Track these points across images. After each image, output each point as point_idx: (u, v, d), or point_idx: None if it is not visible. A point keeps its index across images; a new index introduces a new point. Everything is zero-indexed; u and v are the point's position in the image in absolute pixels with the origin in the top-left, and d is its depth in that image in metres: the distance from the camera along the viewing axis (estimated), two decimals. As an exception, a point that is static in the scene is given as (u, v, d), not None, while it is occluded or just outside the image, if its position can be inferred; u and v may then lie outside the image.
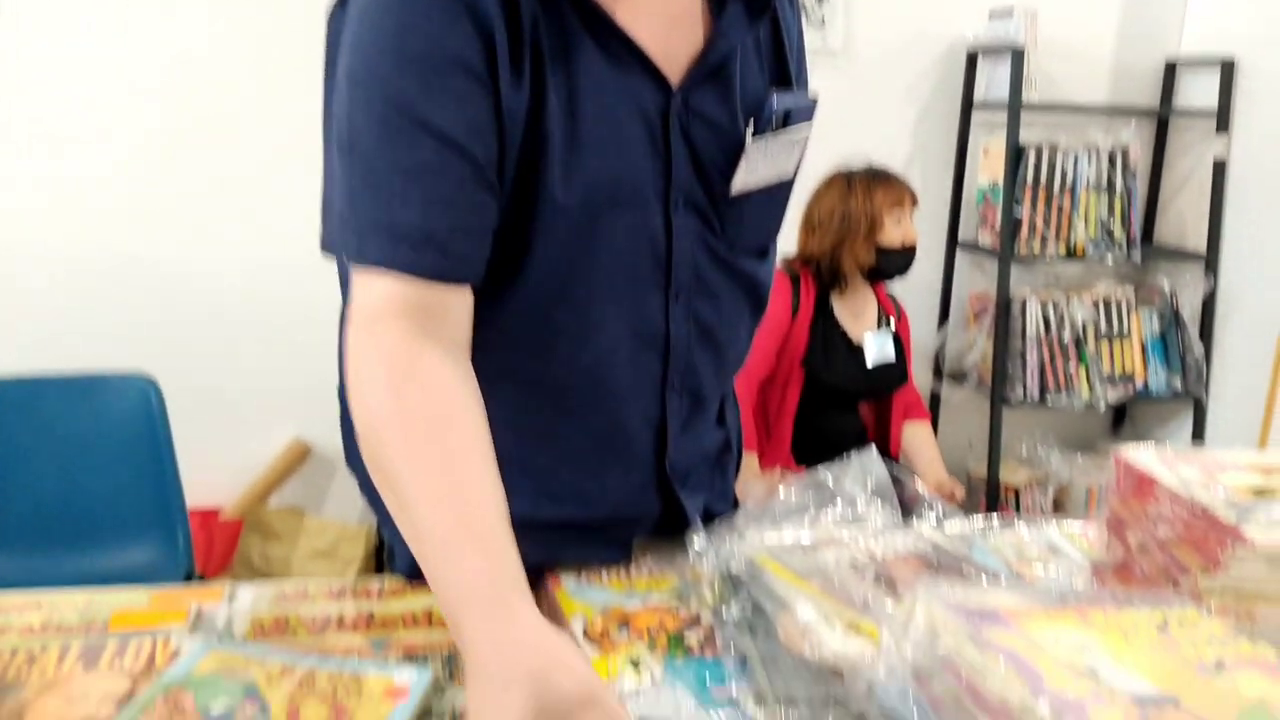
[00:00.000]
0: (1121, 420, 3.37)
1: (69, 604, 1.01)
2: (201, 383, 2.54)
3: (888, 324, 2.48)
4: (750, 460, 2.34)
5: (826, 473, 1.19)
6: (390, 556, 1.25)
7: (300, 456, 2.65)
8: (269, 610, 1.03)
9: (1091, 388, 2.94)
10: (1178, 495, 0.91)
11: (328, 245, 0.97)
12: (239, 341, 2.63)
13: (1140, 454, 0.99)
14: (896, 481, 1.23)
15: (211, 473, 2.54)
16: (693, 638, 1.02)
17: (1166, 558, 0.91)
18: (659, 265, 1.02)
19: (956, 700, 0.72)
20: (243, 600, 1.05)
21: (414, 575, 1.12)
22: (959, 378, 3.10)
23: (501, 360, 0.98)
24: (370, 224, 0.86)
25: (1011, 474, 3.05)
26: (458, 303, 0.90)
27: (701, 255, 1.05)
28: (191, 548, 2.05)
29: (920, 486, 1.31)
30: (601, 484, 1.11)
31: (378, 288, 0.86)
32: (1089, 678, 0.66)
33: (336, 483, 2.71)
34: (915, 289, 2.90)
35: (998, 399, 2.89)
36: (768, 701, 0.88)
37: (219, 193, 2.58)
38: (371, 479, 0.86)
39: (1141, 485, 0.96)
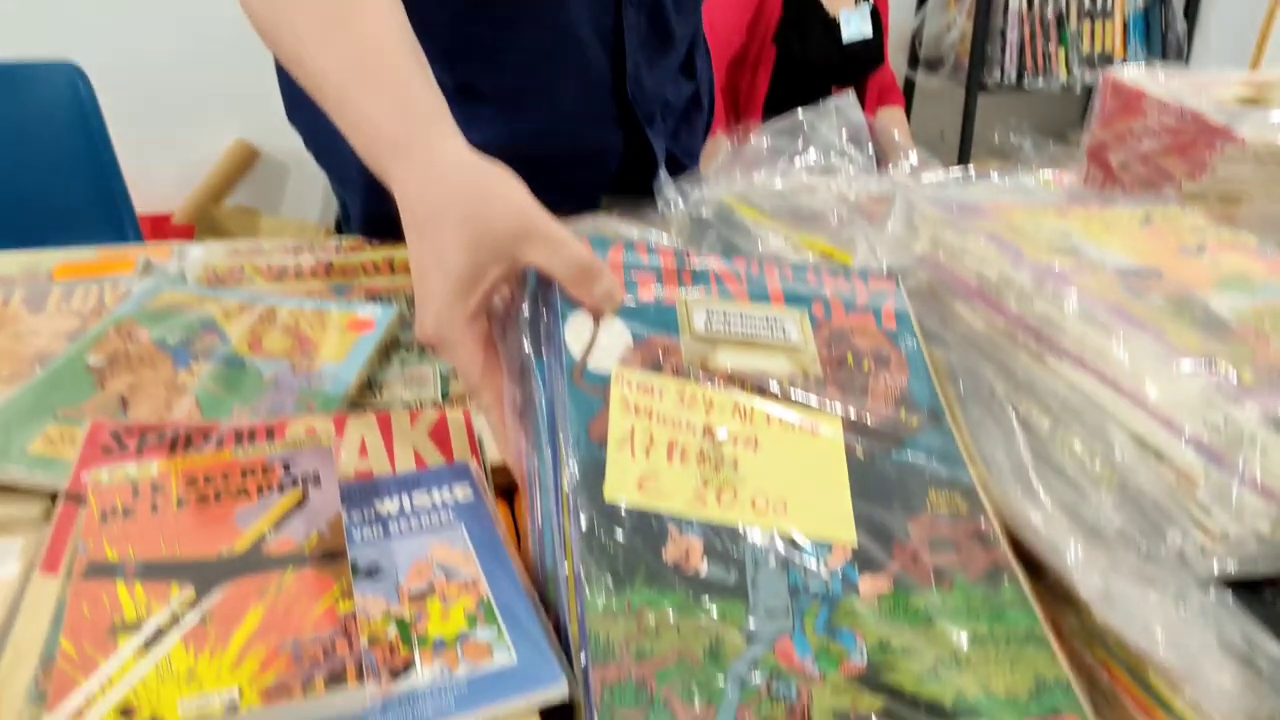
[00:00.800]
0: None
1: (9, 260, 0.97)
2: (136, 79, 2.37)
3: (866, -1, 2.34)
4: (722, 143, 2.26)
5: (802, 116, 1.13)
6: (346, 217, 1.20)
7: (247, 159, 2.54)
8: (223, 261, 0.99)
9: (1070, 69, 2.85)
10: (1167, 104, 0.86)
11: None
12: (173, 37, 2.44)
13: (1130, 71, 0.94)
14: (873, 130, 1.18)
15: (156, 178, 2.43)
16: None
17: (1150, 170, 0.89)
18: None
19: (932, 291, 0.71)
20: (194, 254, 1.01)
21: (371, 232, 1.08)
22: (935, 65, 2.98)
23: None
24: None
25: (982, 166, 3.00)
26: None
27: None
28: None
29: (898, 136, 1.26)
30: (555, 104, 1.04)
31: None
32: (1071, 255, 0.64)
33: (290, 185, 2.62)
34: (893, -33, 2.71)
35: (974, 84, 2.79)
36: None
37: None
38: (272, 51, 0.76)
39: (1129, 102, 0.91)
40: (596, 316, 0.62)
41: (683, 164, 1.21)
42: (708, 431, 0.59)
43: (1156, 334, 0.54)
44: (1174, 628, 0.49)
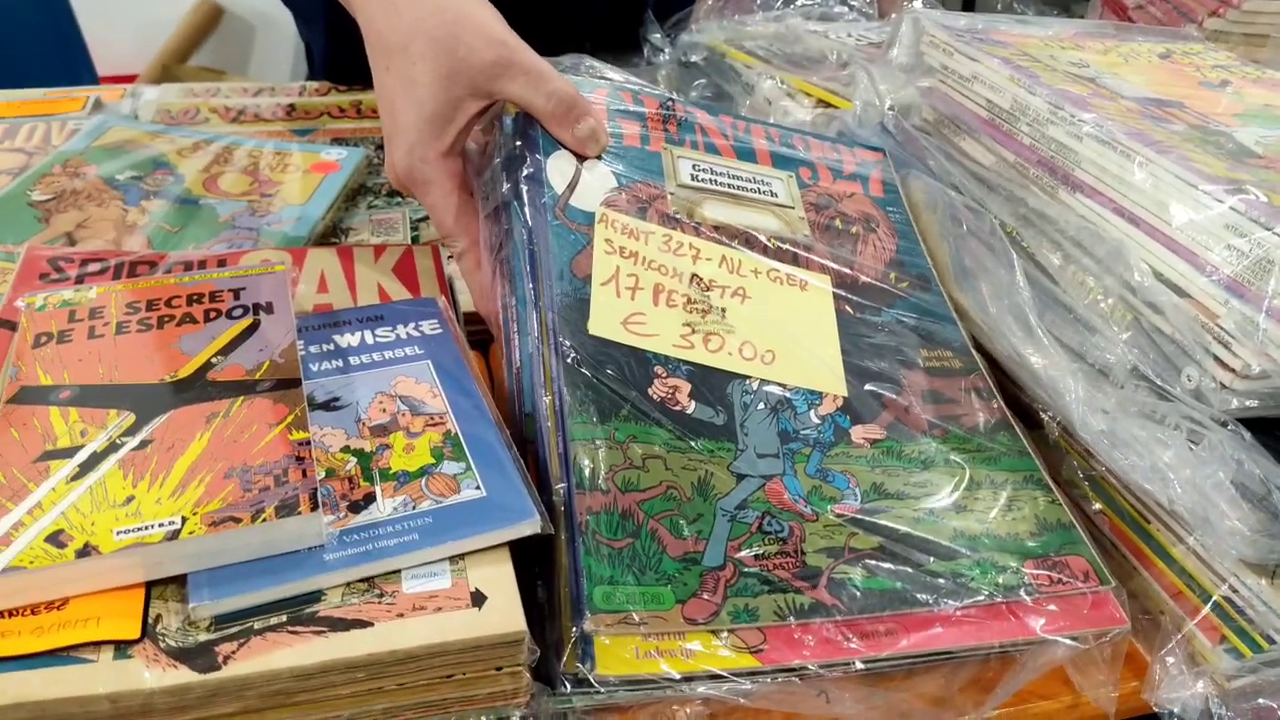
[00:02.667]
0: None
1: (-52, 98, 0.90)
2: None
3: None
4: None
5: (798, -43, 1.05)
6: (311, 65, 1.13)
7: (212, 17, 2.41)
8: (177, 101, 0.93)
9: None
10: (1194, -64, 0.80)
11: None
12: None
13: (1156, -97, 0.87)
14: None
15: (119, 39, 2.31)
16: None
17: (1167, 11, 0.83)
18: None
19: (937, 128, 0.66)
20: (148, 95, 0.94)
21: (336, 77, 1.01)
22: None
23: None
24: None
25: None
26: None
27: None
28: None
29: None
30: None
31: None
32: (1089, 84, 0.59)
33: (258, 44, 2.50)
34: None
35: (976, -49, 2.66)
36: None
37: None
38: None
39: (1154, -64, 0.85)
40: (580, 157, 0.57)
41: (672, 6, 1.14)
42: (695, 279, 0.55)
43: (1180, 158, 0.50)
44: (1184, 468, 0.46)
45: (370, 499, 0.43)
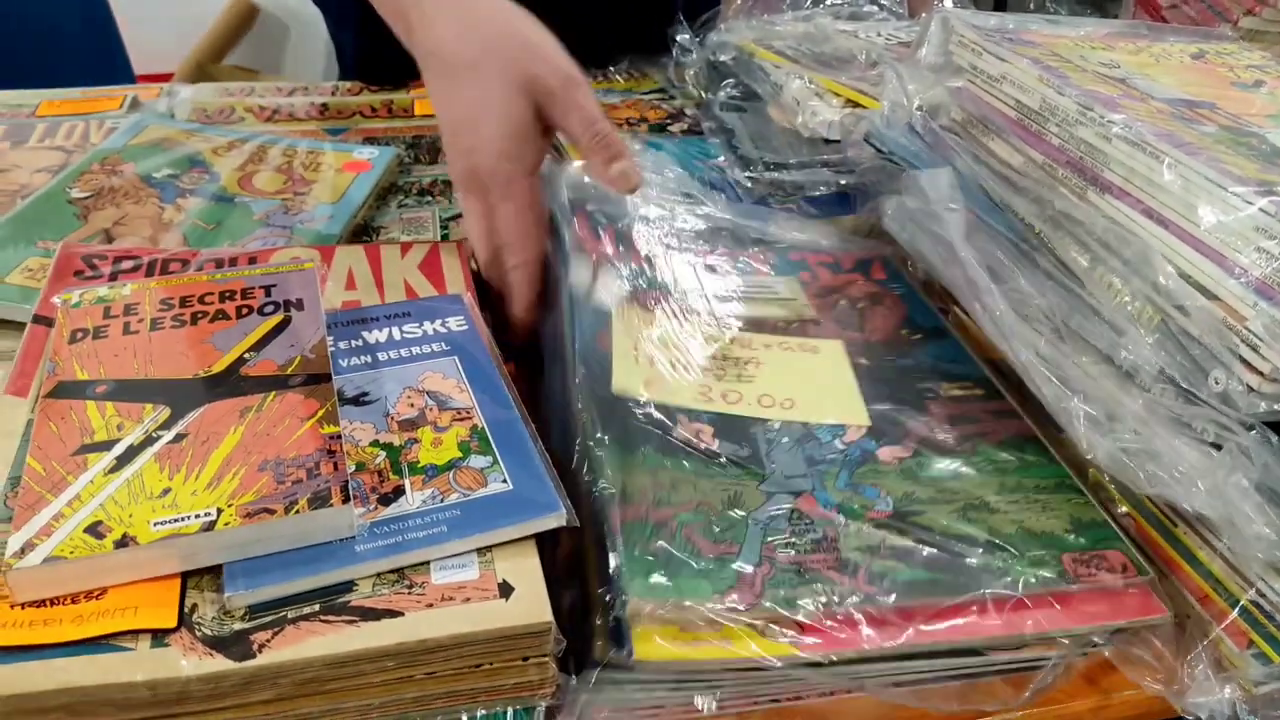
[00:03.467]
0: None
1: (-9, 97, 0.92)
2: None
3: None
4: None
5: (828, -43, 1.05)
6: (342, 64, 1.14)
7: (247, 16, 2.44)
8: (213, 100, 0.94)
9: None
10: (1230, -65, 0.79)
11: None
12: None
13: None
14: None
15: (155, 36, 2.34)
16: (676, 127, 0.95)
17: (1201, 11, 0.82)
18: None
19: (965, 128, 0.66)
20: (184, 93, 0.96)
21: (366, 77, 1.02)
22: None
23: None
24: None
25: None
26: None
27: None
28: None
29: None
30: None
31: None
32: (1119, 85, 0.59)
33: (291, 43, 2.53)
34: None
35: (1008, -51, 2.64)
36: (756, 168, 0.82)
37: None
38: None
39: (1187, -65, 0.84)
40: (613, 187, 0.61)
41: (700, 5, 1.14)
42: (708, 355, 0.58)
43: (1210, 159, 0.50)
44: (1209, 473, 0.46)
45: (400, 492, 0.44)
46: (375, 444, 0.47)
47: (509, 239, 0.61)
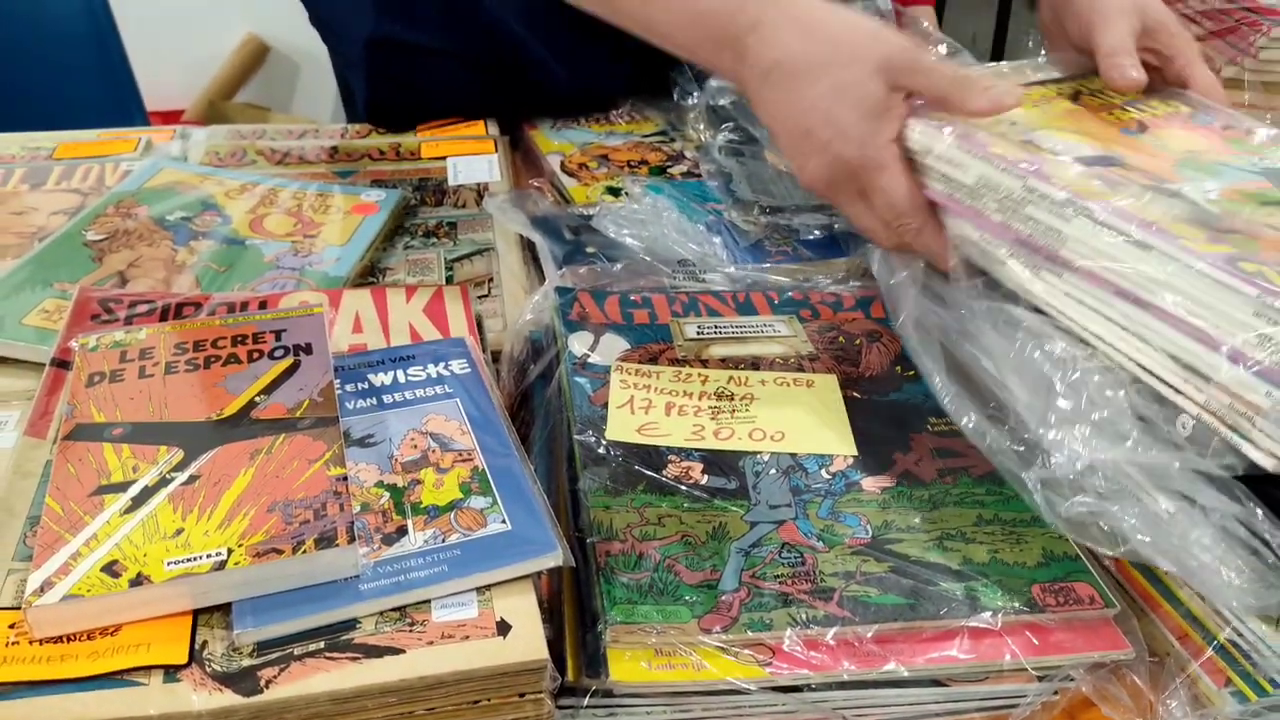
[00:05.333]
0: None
1: (10, 140, 0.95)
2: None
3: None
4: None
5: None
6: (350, 105, 1.17)
7: (258, 54, 2.49)
8: (225, 143, 0.97)
9: (1108, -26, 2.73)
10: (1214, -13, 0.82)
11: None
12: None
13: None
14: (901, 19, 1.13)
15: (167, 74, 2.38)
16: (676, 170, 0.98)
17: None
18: None
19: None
20: (197, 136, 0.99)
21: (374, 118, 1.04)
22: (966, -32, 2.86)
23: None
24: None
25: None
26: None
27: None
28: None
29: (928, 25, 1.21)
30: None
31: None
32: (1028, 148, 0.61)
33: (302, 81, 2.57)
34: None
35: (1006, -12, 2.68)
36: (753, 212, 0.84)
37: None
38: None
39: (1172, -13, 0.87)
40: (994, 110, 0.61)
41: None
42: (704, 395, 0.60)
43: (1159, 231, 0.51)
44: (1178, 522, 0.47)
45: (403, 532, 0.46)
46: (380, 485, 0.48)
47: (900, 208, 0.62)
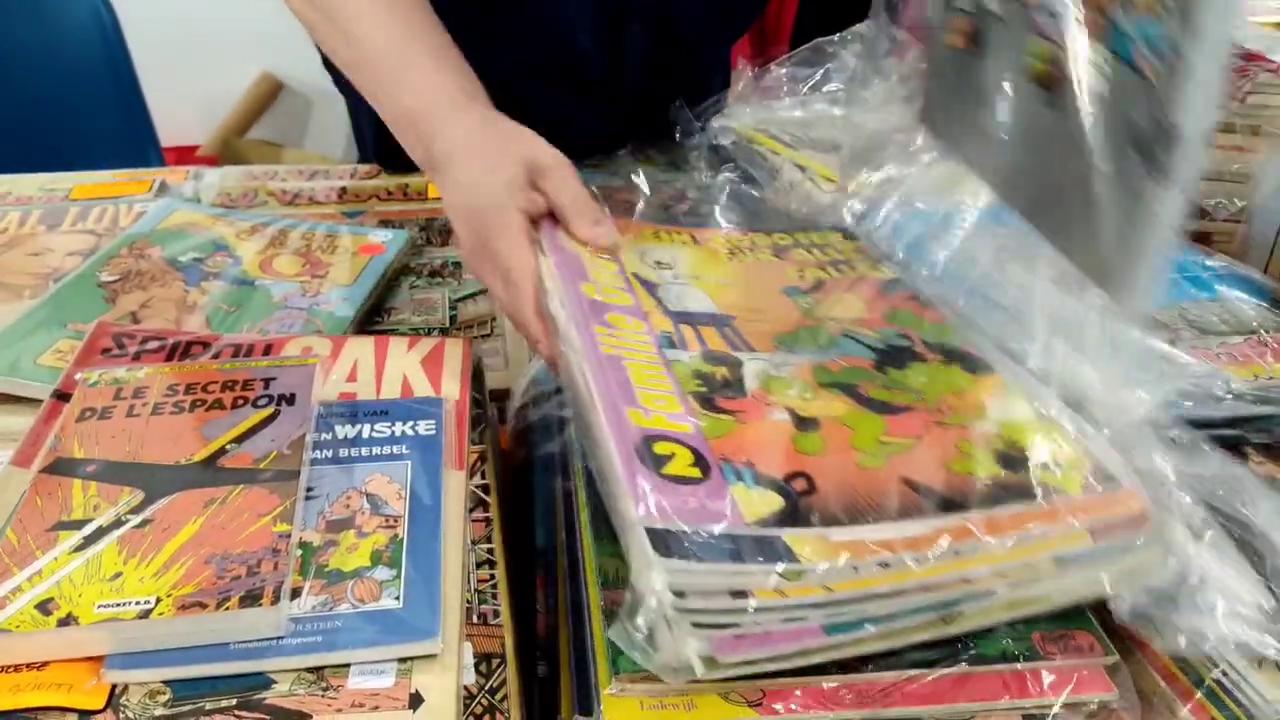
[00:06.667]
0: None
1: (28, 182, 0.97)
2: (161, 9, 2.36)
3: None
4: (744, 72, 2.21)
5: (826, 45, 1.11)
6: (361, 145, 1.19)
7: (272, 91, 2.53)
8: (237, 184, 0.99)
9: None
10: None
11: None
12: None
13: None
14: (898, 44, 1.15)
15: (182, 110, 2.43)
16: (678, 210, 0.99)
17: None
18: None
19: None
20: (209, 177, 1.01)
21: (385, 159, 1.07)
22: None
23: None
24: None
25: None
26: None
27: None
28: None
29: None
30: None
31: None
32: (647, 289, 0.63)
33: (314, 117, 2.61)
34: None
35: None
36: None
37: None
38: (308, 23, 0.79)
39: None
40: (591, 242, 0.65)
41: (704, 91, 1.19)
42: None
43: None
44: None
45: (297, 593, 0.45)
46: (299, 542, 0.48)
47: (518, 283, 0.62)
